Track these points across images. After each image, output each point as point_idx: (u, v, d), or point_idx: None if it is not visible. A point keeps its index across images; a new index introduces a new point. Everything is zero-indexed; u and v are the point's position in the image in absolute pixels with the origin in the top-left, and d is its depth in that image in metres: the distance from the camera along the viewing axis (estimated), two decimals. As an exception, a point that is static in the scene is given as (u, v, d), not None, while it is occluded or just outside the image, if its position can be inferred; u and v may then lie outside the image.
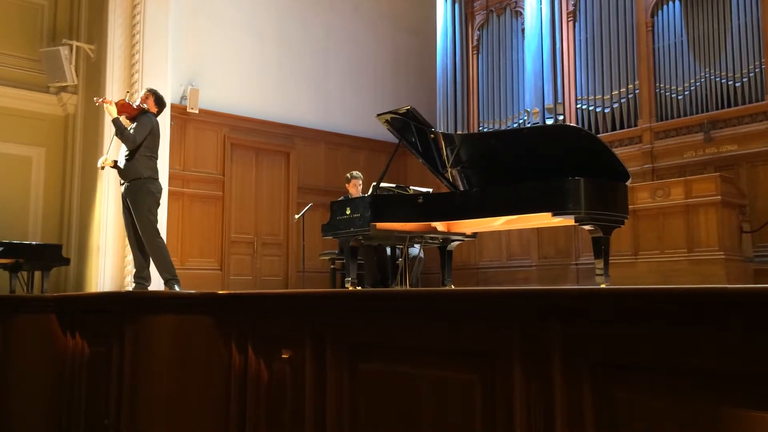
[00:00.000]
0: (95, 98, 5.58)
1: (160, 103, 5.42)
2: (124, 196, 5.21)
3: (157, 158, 5.30)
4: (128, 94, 5.70)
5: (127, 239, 5.55)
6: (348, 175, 7.09)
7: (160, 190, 5.30)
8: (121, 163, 5.19)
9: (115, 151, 5.53)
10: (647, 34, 8.06)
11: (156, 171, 5.27)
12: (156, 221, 5.22)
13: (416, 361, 1.96)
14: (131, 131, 5.13)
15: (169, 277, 5.11)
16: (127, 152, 5.16)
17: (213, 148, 9.25)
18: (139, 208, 5.10)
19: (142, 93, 5.43)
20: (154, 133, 5.23)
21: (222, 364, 2.98)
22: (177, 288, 5.05)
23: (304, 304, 2.58)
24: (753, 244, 6.75)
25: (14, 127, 8.11)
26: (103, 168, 5.41)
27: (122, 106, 5.22)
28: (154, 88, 5.59)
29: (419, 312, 2.01)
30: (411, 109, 4.90)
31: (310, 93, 10.27)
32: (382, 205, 4.86)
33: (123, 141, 5.12)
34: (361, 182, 7.02)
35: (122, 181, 5.22)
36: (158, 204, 5.27)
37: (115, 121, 5.13)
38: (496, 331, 1.71)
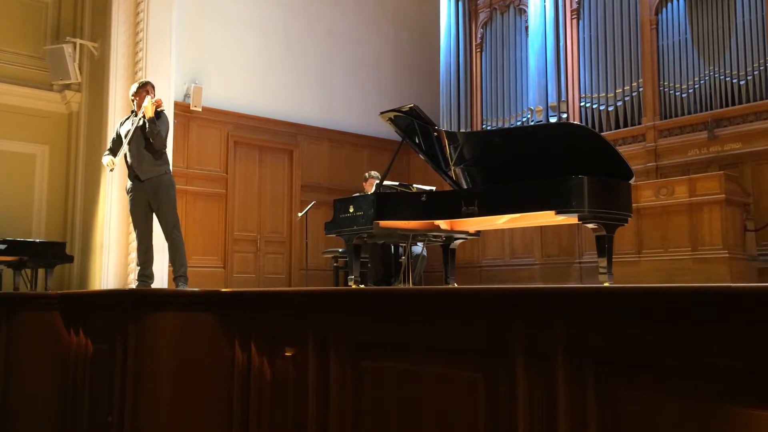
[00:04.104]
0: (157, 99, 5.21)
1: (154, 91, 5.44)
2: (143, 193, 5.15)
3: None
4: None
5: (134, 236, 5.53)
6: (366, 174, 7.04)
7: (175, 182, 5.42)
8: (139, 161, 5.13)
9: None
10: (651, 31, 8.04)
11: (170, 164, 5.37)
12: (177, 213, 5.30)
13: (419, 359, 1.96)
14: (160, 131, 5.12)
15: (182, 274, 5.14)
16: (148, 150, 5.12)
17: (216, 146, 9.25)
18: (165, 201, 5.15)
19: (146, 91, 5.22)
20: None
21: (225, 361, 2.98)
22: (183, 286, 5.06)
23: (308, 302, 2.57)
24: (757, 243, 6.73)
25: (18, 124, 8.13)
26: (112, 170, 5.42)
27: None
28: (148, 80, 5.54)
29: (422, 310, 2.00)
30: (414, 107, 4.89)
31: (314, 91, 10.27)
32: (386, 203, 4.86)
33: (155, 141, 5.05)
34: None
35: (142, 178, 5.13)
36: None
37: (151, 122, 5.03)
38: (499, 330, 1.71)
